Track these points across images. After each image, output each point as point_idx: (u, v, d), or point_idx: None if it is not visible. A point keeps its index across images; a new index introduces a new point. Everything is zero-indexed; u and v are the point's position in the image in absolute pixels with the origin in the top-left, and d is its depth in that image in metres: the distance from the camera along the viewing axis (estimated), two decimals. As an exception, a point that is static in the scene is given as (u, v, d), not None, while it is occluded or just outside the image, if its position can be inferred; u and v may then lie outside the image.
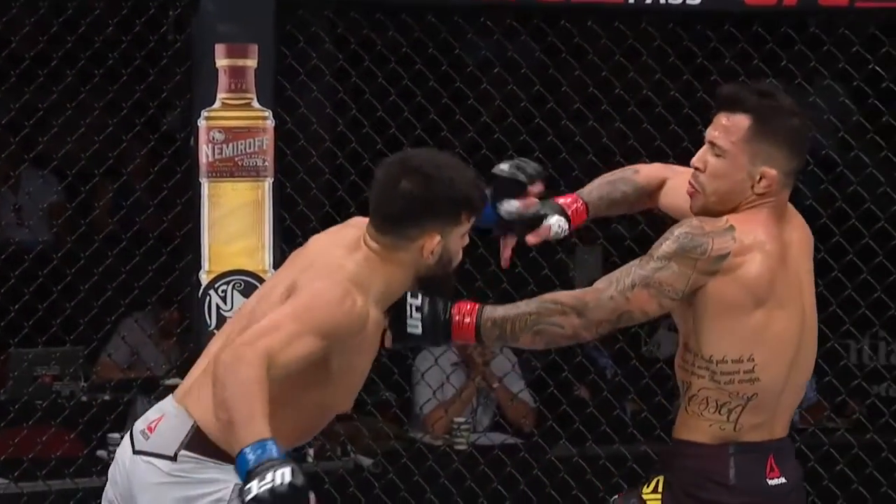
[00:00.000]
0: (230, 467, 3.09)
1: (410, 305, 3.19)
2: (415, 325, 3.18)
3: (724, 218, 3.06)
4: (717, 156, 3.07)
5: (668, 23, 5.19)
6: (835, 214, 5.00)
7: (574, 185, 5.17)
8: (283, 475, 2.83)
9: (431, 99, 5.16)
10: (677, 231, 3.06)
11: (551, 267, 5.27)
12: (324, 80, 5.30)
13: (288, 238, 4.80)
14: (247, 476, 2.84)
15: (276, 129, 4.84)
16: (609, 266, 5.90)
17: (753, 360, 3.05)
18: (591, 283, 3.16)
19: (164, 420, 3.22)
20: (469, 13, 5.20)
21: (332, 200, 5.31)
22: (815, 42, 5.03)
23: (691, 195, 3.12)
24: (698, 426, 3.11)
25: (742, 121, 3.05)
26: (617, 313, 3.07)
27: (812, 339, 3.17)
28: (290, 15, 5.03)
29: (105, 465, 5.16)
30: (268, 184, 4.84)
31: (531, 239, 3.41)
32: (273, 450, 2.86)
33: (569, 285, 5.36)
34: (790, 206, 3.16)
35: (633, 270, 3.07)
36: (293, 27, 5.04)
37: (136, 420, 3.28)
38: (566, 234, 3.42)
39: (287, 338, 3.00)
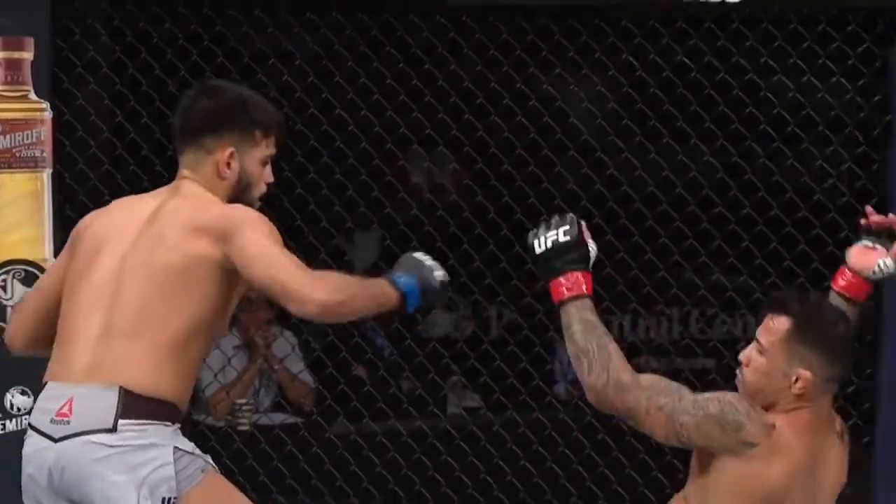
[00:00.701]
0: (167, 429, 3.10)
1: (557, 229, 3.19)
2: (542, 246, 3.19)
3: (772, 417, 3.17)
4: (760, 353, 3.22)
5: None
6: (594, 197, 5.24)
7: (349, 174, 5.28)
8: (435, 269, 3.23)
9: (208, 90, 5.19)
10: (728, 398, 3.17)
11: (328, 252, 5.37)
12: (101, 72, 5.27)
13: (68, 227, 4.81)
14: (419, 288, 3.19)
15: (53, 120, 4.84)
16: (384, 250, 6.01)
17: None
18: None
19: (76, 401, 3.10)
20: (244, 6, 5.25)
21: (112, 190, 5.32)
22: (574, 34, 5.20)
23: (738, 384, 3.26)
24: None
25: (783, 323, 3.20)
26: (631, 412, 3.17)
27: None
28: (65, 7, 5.02)
29: None
30: (46, 174, 4.85)
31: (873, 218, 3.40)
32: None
33: (348, 268, 5.45)
34: (839, 419, 3.29)
35: (674, 396, 3.17)
36: (69, 20, 5.03)
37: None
38: (886, 273, 3.38)
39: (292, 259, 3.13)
